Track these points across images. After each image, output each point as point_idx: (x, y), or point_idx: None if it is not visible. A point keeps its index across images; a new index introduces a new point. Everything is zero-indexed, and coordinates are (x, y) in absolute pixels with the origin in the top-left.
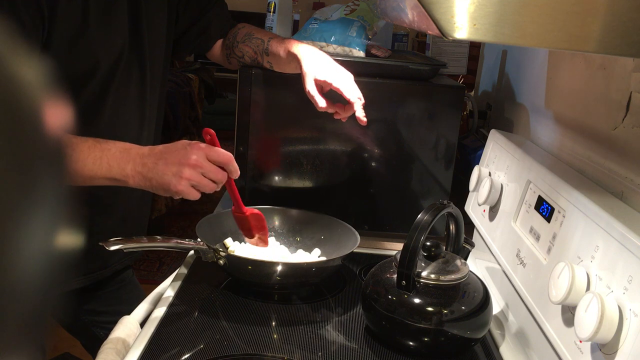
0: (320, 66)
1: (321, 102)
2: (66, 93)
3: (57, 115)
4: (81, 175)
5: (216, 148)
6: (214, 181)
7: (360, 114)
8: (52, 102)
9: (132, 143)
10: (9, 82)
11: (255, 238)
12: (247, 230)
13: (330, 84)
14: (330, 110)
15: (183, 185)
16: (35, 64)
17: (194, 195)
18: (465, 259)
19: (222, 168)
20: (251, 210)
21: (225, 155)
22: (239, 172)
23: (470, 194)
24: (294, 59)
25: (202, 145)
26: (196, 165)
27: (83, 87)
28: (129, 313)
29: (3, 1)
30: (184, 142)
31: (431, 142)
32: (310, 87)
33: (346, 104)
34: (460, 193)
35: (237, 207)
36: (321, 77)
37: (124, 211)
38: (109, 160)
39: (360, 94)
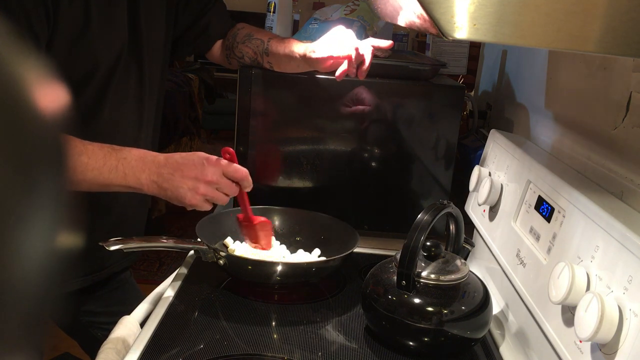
0: (321, 45)
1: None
2: (66, 93)
3: (58, 115)
4: (96, 182)
5: (233, 164)
6: (226, 194)
7: (351, 71)
8: (53, 102)
9: (131, 143)
10: (13, 82)
11: (260, 244)
12: (253, 237)
13: (334, 57)
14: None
15: (197, 199)
16: (38, 64)
17: (207, 208)
18: (465, 259)
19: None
20: (259, 218)
21: (241, 171)
22: (252, 186)
23: (470, 194)
24: (295, 58)
25: (219, 160)
26: (212, 182)
27: (82, 87)
28: (127, 313)
29: (12, 1)
30: (202, 155)
31: (431, 142)
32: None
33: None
34: (460, 193)
35: (245, 216)
36: (326, 54)
37: (123, 211)
38: (125, 168)
39: (353, 51)
